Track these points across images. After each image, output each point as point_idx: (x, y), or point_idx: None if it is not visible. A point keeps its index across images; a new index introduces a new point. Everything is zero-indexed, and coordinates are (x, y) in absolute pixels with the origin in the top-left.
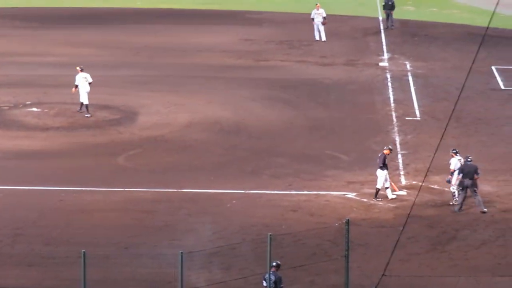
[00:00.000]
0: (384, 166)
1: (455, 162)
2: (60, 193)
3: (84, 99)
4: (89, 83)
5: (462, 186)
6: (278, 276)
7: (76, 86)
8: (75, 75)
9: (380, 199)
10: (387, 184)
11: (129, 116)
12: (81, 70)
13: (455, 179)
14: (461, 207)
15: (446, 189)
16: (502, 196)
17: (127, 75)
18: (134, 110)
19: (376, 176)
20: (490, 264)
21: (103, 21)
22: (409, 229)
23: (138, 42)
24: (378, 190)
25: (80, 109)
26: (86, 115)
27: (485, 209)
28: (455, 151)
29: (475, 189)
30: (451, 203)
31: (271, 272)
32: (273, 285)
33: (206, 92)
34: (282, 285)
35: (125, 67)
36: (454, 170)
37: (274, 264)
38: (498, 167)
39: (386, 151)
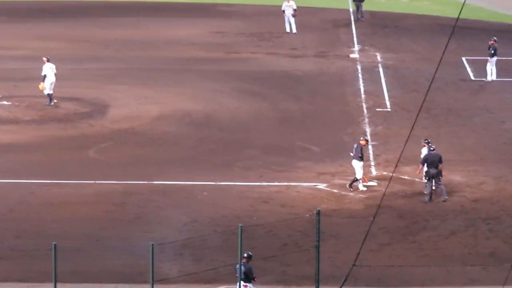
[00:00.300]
0: (361, 157)
1: (425, 152)
2: (30, 186)
3: (49, 89)
4: (55, 74)
5: (428, 175)
6: (248, 267)
7: (44, 77)
8: (42, 66)
9: (352, 189)
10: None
11: (99, 109)
12: (48, 60)
13: (418, 170)
14: (430, 197)
15: (417, 179)
16: (472, 186)
17: (97, 68)
18: (105, 103)
19: (352, 167)
20: (461, 253)
21: (72, 15)
22: (379, 220)
23: (108, 35)
24: (356, 180)
25: (50, 102)
26: (49, 104)
27: (447, 197)
28: (427, 141)
29: (440, 177)
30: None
31: (241, 263)
32: (243, 276)
33: (176, 85)
34: (254, 276)
35: (95, 60)
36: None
37: (246, 255)
38: (468, 157)
39: (362, 142)
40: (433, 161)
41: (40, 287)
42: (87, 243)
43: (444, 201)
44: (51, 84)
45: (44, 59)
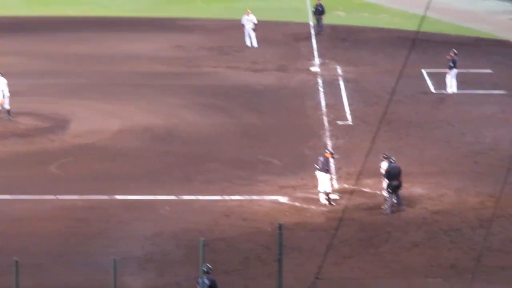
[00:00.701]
0: (327, 169)
1: (385, 166)
2: None
3: (6, 104)
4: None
5: (390, 188)
6: (212, 280)
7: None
8: None
9: (334, 204)
10: (323, 189)
11: (60, 124)
12: (1, 75)
13: (382, 183)
14: (392, 209)
15: (378, 192)
16: (433, 198)
17: (57, 83)
18: (65, 118)
19: (314, 180)
20: (422, 265)
21: (32, 30)
22: (341, 233)
23: (68, 50)
24: (328, 194)
25: (10, 116)
26: (9, 118)
27: (404, 207)
28: (385, 155)
29: (400, 189)
30: (383, 207)
31: (205, 277)
32: None
33: (138, 99)
34: None
35: (55, 75)
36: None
37: (205, 269)
38: (429, 169)
39: (328, 155)
40: (395, 173)
41: None
42: (49, 258)
43: (401, 210)
44: (8, 98)
45: None
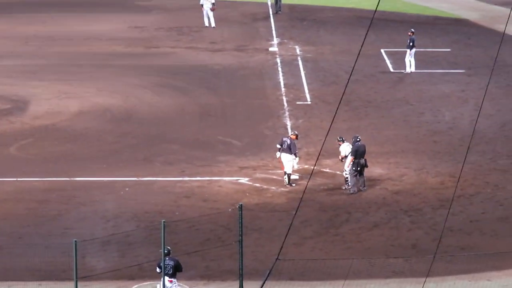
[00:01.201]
0: (292, 151)
1: (345, 148)
2: None
3: None
4: None
5: (357, 166)
6: (176, 259)
7: None
8: None
9: (294, 184)
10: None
11: (19, 105)
12: None
13: (349, 162)
14: (357, 188)
15: (338, 172)
16: (393, 179)
17: (16, 64)
18: (24, 99)
19: (274, 161)
20: (383, 245)
21: None
22: (302, 213)
23: (26, 32)
24: (289, 175)
25: None
26: None
27: (366, 187)
28: (341, 139)
29: (366, 168)
30: (344, 188)
31: (168, 258)
32: (172, 271)
33: (96, 80)
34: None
35: (13, 56)
36: (346, 156)
37: (166, 251)
38: (389, 149)
39: (293, 136)
40: (361, 152)
41: None
42: (8, 241)
43: (362, 190)
44: None
45: None
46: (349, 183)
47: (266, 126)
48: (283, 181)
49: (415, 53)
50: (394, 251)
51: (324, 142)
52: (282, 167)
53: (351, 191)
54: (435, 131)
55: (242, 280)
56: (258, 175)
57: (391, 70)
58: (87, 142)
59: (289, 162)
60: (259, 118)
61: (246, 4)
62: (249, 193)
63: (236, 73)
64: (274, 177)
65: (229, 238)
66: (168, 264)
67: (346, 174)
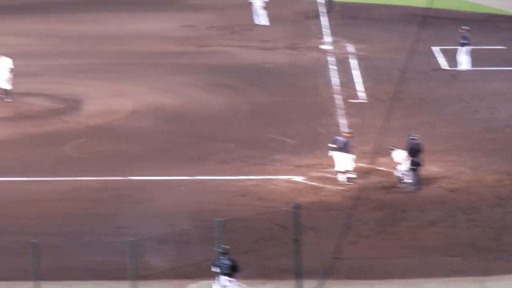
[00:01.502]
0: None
1: (398, 154)
2: (8, 184)
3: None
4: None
5: (413, 164)
6: (232, 259)
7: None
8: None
9: (352, 183)
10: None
11: (73, 105)
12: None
13: (404, 160)
14: (416, 185)
15: (393, 170)
16: (449, 177)
17: (70, 64)
18: (78, 99)
19: (329, 159)
20: (440, 244)
21: (43, 11)
22: (357, 212)
23: (79, 31)
24: (347, 172)
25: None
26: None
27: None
28: (392, 148)
29: (421, 166)
30: (399, 186)
31: (223, 258)
32: (229, 270)
33: (148, 79)
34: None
35: (67, 56)
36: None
37: (221, 249)
38: (443, 147)
39: (347, 134)
40: (416, 150)
41: (20, 286)
42: (64, 240)
43: (418, 189)
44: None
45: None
46: (408, 180)
47: (320, 124)
48: (337, 179)
49: (470, 50)
50: (451, 250)
51: (378, 140)
52: (335, 166)
53: (410, 189)
54: (491, 129)
55: (299, 279)
56: (313, 173)
57: (445, 67)
58: (141, 141)
59: (346, 160)
60: (312, 116)
61: (298, 1)
62: (304, 192)
63: (288, 71)
64: (329, 175)
65: (285, 236)
66: (224, 263)
67: (398, 173)
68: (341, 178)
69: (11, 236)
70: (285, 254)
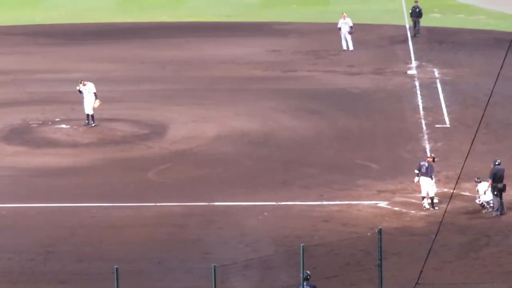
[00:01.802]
0: (431, 174)
1: (483, 187)
2: (91, 210)
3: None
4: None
5: (496, 190)
6: (314, 286)
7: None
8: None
9: (437, 208)
10: (426, 193)
11: (157, 130)
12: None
13: (488, 184)
14: (500, 211)
15: (476, 198)
16: None
17: (154, 89)
18: (162, 124)
19: (413, 184)
20: None
21: (127, 36)
22: (441, 237)
23: (163, 56)
24: (433, 198)
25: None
26: (92, 124)
27: (505, 211)
28: (479, 180)
29: (504, 192)
30: (484, 211)
31: (305, 283)
32: None
33: (234, 104)
34: None
35: (151, 81)
36: (484, 192)
37: (304, 275)
38: None
39: (430, 159)
40: (501, 175)
41: None
42: (148, 265)
43: (502, 214)
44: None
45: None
46: (493, 206)
47: (405, 149)
48: (421, 205)
49: None
50: None
51: (463, 165)
52: (420, 191)
53: (494, 214)
54: None
55: None
56: (397, 198)
57: None
58: (225, 166)
59: (430, 185)
60: (398, 141)
61: (383, 27)
62: (388, 217)
63: (374, 96)
64: (413, 200)
65: (368, 262)
66: None
67: (479, 201)
68: (426, 203)
69: (94, 262)
70: (369, 279)
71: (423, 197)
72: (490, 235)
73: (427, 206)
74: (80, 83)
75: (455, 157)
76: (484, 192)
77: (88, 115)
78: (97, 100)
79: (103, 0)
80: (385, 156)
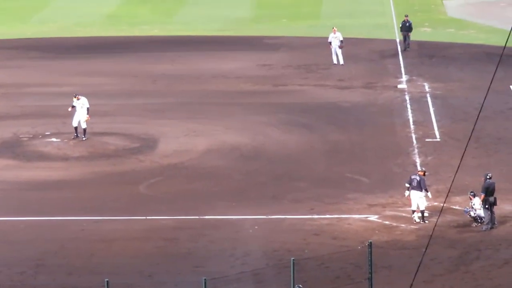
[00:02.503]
0: (423, 188)
1: (478, 201)
2: (81, 223)
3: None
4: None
5: (487, 203)
6: None
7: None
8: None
9: (427, 221)
10: (416, 207)
11: (148, 144)
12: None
13: (480, 199)
14: (490, 225)
15: (473, 206)
16: None
17: (145, 103)
18: (154, 138)
19: (404, 198)
20: None
21: (119, 50)
22: (431, 250)
23: (155, 70)
24: (423, 212)
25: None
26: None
27: (496, 224)
28: (473, 193)
29: (495, 205)
30: (474, 225)
31: None
32: None
33: (224, 118)
34: None
35: (143, 95)
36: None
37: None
38: None
39: (421, 172)
40: (492, 190)
41: None
42: (139, 279)
43: (492, 228)
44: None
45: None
46: (484, 219)
47: (395, 163)
48: (412, 218)
49: None
50: None
51: (453, 179)
52: (410, 205)
53: (484, 228)
54: None
55: None
56: (387, 212)
57: None
58: (216, 180)
59: (421, 199)
60: (388, 155)
61: (374, 41)
62: (378, 231)
63: (364, 110)
64: (404, 214)
65: (359, 275)
66: None
67: (474, 213)
68: (417, 217)
69: (85, 275)
70: None
71: (413, 211)
72: (480, 249)
73: (417, 220)
74: (75, 97)
75: (445, 171)
76: (480, 207)
77: (76, 128)
78: (87, 115)
79: (93, 15)
80: (376, 170)
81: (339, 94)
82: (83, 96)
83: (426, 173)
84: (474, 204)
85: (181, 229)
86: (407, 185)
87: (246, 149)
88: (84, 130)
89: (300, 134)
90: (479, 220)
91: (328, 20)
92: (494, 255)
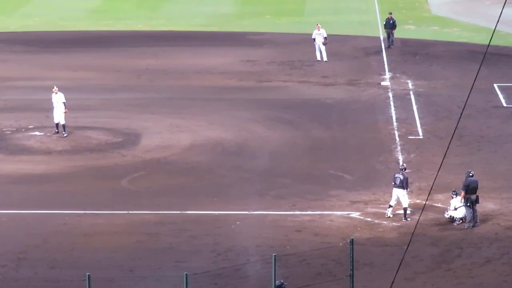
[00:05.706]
0: (406, 185)
1: (455, 202)
2: (63, 217)
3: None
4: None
5: (469, 201)
6: None
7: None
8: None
9: (409, 219)
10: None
11: (131, 139)
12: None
13: (461, 196)
14: (472, 223)
15: (449, 207)
16: (506, 214)
17: (129, 98)
18: (137, 132)
19: (386, 196)
20: (495, 281)
21: (103, 45)
22: (413, 248)
23: (139, 65)
24: (406, 209)
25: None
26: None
27: (478, 223)
28: (455, 193)
29: (477, 203)
30: (456, 223)
31: None
32: None
33: (208, 114)
34: None
35: (126, 90)
36: (455, 208)
37: (278, 283)
38: (501, 184)
39: (402, 170)
40: (474, 187)
41: None
42: (120, 273)
43: (474, 226)
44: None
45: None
46: (466, 217)
47: (378, 160)
48: (394, 215)
49: None
50: (507, 287)
51: (436, 177)
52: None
53: (466, 226)
54: None
55: None
56: (369, 209)
57: (504, 104)
58: (199, 175)
59: (404, 196)
60: (371, 152)
61: (358, 38)
62: (360, 228)
63: (348, 107)
64: (386, 211)
65: (340, 272)
66: None
67: (446, 215)
68: (389, 212)
69: (66, 269)
70: None
71: (390, 206)
72: (462, 247)
73: (389, 215)
74: (53, 89)
75: (428, 168)
76: (455, 208)
77: (57, 124)
78: (65, 109)
79: (78, 10)
80: (358, 167)
81: (322, 91)
82: (61, 92)
83: (406, 170)
84: (449, 205)
85: (163, 224)
86: (393, 183)
87: (229, 145)
88: (64, 126)
89: (284, 131)
90: (455, 220)
91: (312, 17)
92: (475, 253)
